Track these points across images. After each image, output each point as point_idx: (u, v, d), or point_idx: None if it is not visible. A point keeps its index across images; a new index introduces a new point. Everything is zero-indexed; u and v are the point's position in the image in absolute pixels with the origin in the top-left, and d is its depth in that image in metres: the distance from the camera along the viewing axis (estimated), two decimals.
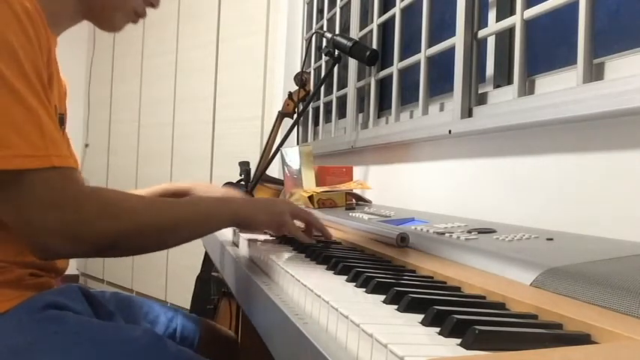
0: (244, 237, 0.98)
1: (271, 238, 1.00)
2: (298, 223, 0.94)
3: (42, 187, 0.71)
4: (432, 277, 0.64)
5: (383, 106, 1.86)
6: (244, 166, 2.19)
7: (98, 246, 0.76)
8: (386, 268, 0.70)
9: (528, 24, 1.10)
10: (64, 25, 0.93)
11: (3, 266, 0.81)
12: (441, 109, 1.45)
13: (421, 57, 1.46)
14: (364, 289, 0.57)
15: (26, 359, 0.73)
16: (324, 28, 2.22)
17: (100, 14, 0.94)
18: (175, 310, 1.16)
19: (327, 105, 2.22)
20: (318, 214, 1.07)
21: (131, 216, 0.78)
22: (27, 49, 0.73)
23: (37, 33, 0.76)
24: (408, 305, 0.48)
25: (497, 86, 1.30)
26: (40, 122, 0.72)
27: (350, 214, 1.17)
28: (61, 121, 0.94)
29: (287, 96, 2.22)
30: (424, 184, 1.46)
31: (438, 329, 0.42)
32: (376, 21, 1.77)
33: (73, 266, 4.30)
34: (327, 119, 2.23)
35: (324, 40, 1.80)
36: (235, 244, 1.04)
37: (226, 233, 1.16)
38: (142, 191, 1.22)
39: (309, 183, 1.52)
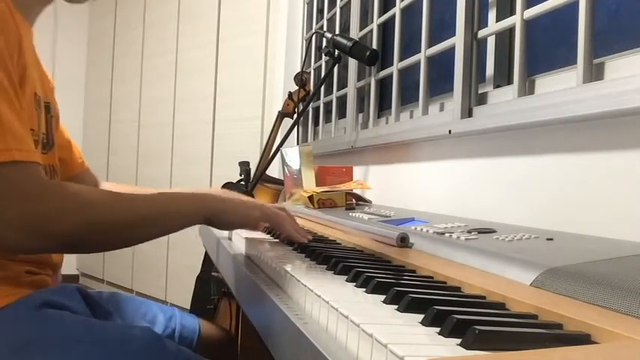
0: (241, 234, 0.99)
1: (267, 236, 1.00)
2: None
3: (2, 182, 0.71)
4: (432, 277, 0.64)
5: (383, 106, 1.86)
6: (244, 166, 2.19)
7: (63, 241, 0.75)
8: (386, 268, 0.70)
9: (528, 24, 1.10)
10: (36, 9, 0.92)
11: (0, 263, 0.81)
12: (441, 109, 1.45)
13: (421, 57, 1.46)
14: (364, 289, 0.57)
15: (26, 357, 0.73)
16: (324, 28, 2.22)
17: None
18: (174, 310, 1.16)
19: (327, 105, 2.22)
20: (320, 214, 1.07)
21: (96, 210, 0.76)
22: None
23: (4, 28, 0.75)
24: (408, 305, 0.48)
25: (497, 86, 1.30)
26: (1, 119, 0.72)
27: (350, 214, 1.17)
28: (47, 109, 0.93)
29: (287, 96, 2.22)
30: (424, 184, 1.46)
31: (438, 329, 0.42)
32: (376, 21, 1.77)
33: (72, 266, 4.30)
34: (327, 119, 2.23)
35: (324, 40, 1.80)
36: (229, 239, 1.05)
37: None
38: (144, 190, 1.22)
39: (309, 183, 1.52)
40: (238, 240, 1.03)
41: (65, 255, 0.98)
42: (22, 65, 0.80)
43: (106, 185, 1.22)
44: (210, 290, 2.20)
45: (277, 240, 0.97)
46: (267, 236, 1.02)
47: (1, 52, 0.74)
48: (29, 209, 0.71)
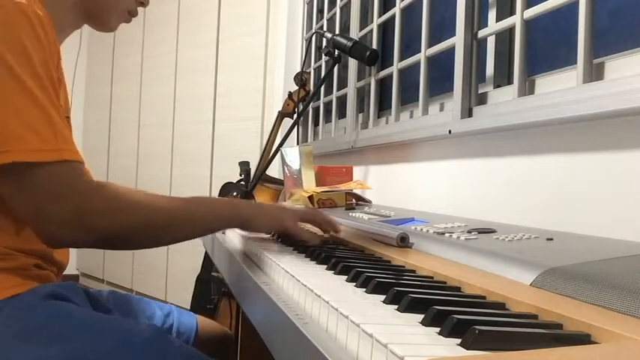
0: (237, 231, 1.01)
1: (267, 236, 1.01)
2: (309, 227, 0.97)
3: (53, 179, 0.76)
4: (432, 277, 0.64)
5: (383, 106, 1.86)
6: (244, 166, 2.19)
7: (105, 237, 0.80)
8: (386, 268, 0.70)
9: (528, 24, 1.10)
10: (67, 31, 0.99)
11: (9, 253, 0.83)
12: (441, 109, 1.45)
13: (421, 57, 1.46)
14: (364, 289, 0.57)
15: (36, 343, 0.74)
16: (324, 28, 2.22)
17: (96, 17, 1.00)
18: (171, 307, 1.17)
19: (327, 105, 2.22)
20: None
21: (139, 210, 0.81)
22: (39, 53, 0.78)
23: (49, 38, 0.80)
24: (408, 305, 0.48)
25: (497, 86, 1.30)
26: (51, 120, 0.77)
27: (350, 214, 1.17)
28: (67, 121, 0.96)
29: (287, 96, 2.22)
30: (424, 184, 1.46)
31: (438, 329, 0.42)
32: (376, 21, 1.77)
33: (73, 266, 4.30)
34: (327, 119, 2.23)
35: (324, 40, 1.80)
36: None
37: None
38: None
39: (309, 183, 1.52)
40: (236, 238, 1.03)
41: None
42: (59, 76, 0.85)
43: None
44: (210, 290, 2.20)
45: (277, 239, 0.98)
46: (267, 236, 1.02)
47: (45, 59, 0.79)
48: (78, 205, 0.77)
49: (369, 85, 1.79)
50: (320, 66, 2.25)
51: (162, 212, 0.84)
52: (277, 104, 2.41)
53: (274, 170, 2.16)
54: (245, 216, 0.90)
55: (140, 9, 1.04)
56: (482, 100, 1.27)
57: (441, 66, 1.47)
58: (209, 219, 0.89)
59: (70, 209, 0.76)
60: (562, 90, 0.97)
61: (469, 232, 0.80)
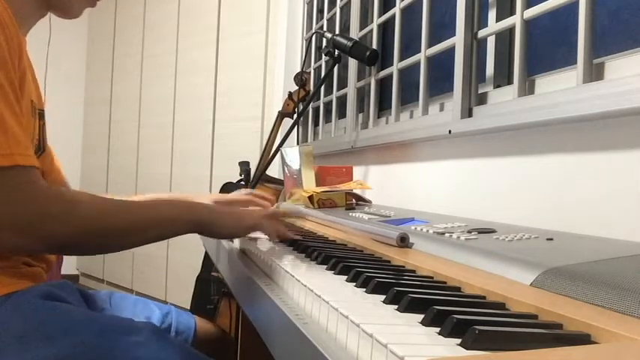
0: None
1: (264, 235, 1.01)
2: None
3: (5, 184, 0.73)
4: (432, 277, 0.64)
5: (383, 106, 1.86)
6: (244, 166, 2.20)
7: (59, 244, 0.77)
8: (386, 268, 0.70)
9: (528, 24, 1.10)
10: (30, 21, 0.95)
11: None
12: (441, 109, 1.45)
13: (421, 57, 1.46)
14: (364, 289, 0.57)
15: (32, 344, 0.73)
16: (324, 28, 2.22)
17: (59, 3, 0.96)
18: (170, 307, 1.17)
19: (327, 105, 2.22)
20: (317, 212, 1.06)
21: (84, 219, 0.78)
22: None
23: (7, 33, 0.77)
24: (408, 305, 0.48)
25: (497, 86, 1.30)
26: (4, 123, 0.74)
27: (350, 214, 1.17)
28: (41, 116, 0.95)
29: (287, 96, 2.22)
30: (424, 184, 1.46)
31: (438, 329, 0.42)
32: (376, 21, 1.77)
33: (72, 266, 4.30)
34: (327, 119, 2.23)
35: (324, 40, 1.80)
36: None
37: None
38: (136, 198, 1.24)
39: (309, 183, 1.52)
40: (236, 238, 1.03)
41: (65, 255, 0.99)
42: (22, 70, 0.82)
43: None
44: (210, 290, 2.20)
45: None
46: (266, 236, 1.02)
47: (3, 56, 0.76)
48: (28, 211, 0.73)
49: (369, 85, 1.79)
50: (320, 66, 2.25)
51: (117, 217, 0.81)
52: (277, 104, 2.41)
53: (274, 170, 2.16)
54: (201, 222, 0.88)
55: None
56: (482, 100, 1.27)
57: (441, 66, 1.47)
58: (164, 223, 0.86)
59: (23, 215, 0.73)
60: (562, 90, 0.97)
61: (469, 232, 0.80)
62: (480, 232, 0.79)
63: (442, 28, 1.50)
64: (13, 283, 0.81)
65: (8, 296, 0.78)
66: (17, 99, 0.78)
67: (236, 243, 1.02)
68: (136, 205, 0.86)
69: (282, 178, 1.75)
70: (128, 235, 0.82)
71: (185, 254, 3.15)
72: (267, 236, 0.95)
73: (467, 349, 0.38)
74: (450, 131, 1.25)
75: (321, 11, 2.35)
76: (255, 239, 0.98)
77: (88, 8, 0.99)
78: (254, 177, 1.92)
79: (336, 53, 1.75)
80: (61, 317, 0.77)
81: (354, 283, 0.59)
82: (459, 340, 0.39)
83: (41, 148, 0.96)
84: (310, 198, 1.36)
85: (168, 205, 0.90)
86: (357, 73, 1.88)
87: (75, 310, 0.80)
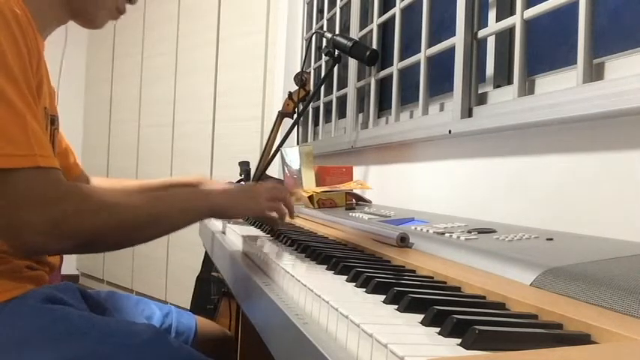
0: (238, 232, 1.00)
1: (264, 234, 1.01)
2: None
3: (26, 186, 0.73)
4: (432, 277, 0.64)
5: (383, 106, 1.86)
6: (244, 166, 2.19)
7: (78, 241, 0.76)
8: (386, 268, 0.70)
9: (528, 24, 1.10)
10: (52, 27, 0.95)
11: (1, 257, 0.82)
12: (441, 109, 1.45)
13: (421, 57, 1.46)
14: (364, 289, 0.56)
15: (31, 349, 0.73)
16: (324, 28, 2.22)
17: (83, 13, 0.96)
18: (170, 307, 1.17)
19: (327, 105, 2.22)
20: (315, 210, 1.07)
21: (110, 211, 0.78)
22: (16, 54, 0.75)
23: (27, 38, 0.77)
24: (408, 305, 0.48)
25: (497, 86, 1.30)
26: (26, 125, 0.73)
27: (350, 214, 1.17)
28: (52, 121, 0.96)
29: (287, 96, 2.22)
30: (424, 184, 1.46)
31: (438, 329, 0.42)
32: (376, 21, 1.77)
33: (72, 266, 4.30)
34: (327, 119, 2.23)
35: (324, 40, 1.80)
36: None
37: (217, 224, 1.22)
38: (136, 182, 1.25)
39: (309, 183, 1.52)
40: (236, 237, 1.03)
41: (65, 256, 0.99)
42: (40, 76, 0.82)
43: (95, 180, 1.27)
44: (210, 290, 2.21)
45: (274, 238, 0.98)
46: (264, 234, 1.02)
47: (23, 61, 0.76)
48: (51, 212, 0.73)
49: (369, 85, 1.79)
50: (320, 66, 2.25)
51: (137, 210, 0.81)
52: (277, 104, 2.41)
53: (274, 170, 2.16)
54: (217, 206, 0.89)
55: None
56: (482, 100, 1.27)
57: (441, 66, 1.47)
58: (179, 214, 0.87)
59: (45, 216, 0.73)
60: (562, 90, 0.97)
61: (469, 232, 0.80)
62: (480, 232, 0.79)
63: (442, 28, 1.50)
64: (16, 287, 0.81)
65: (9, 301, 0.78)
66: (35, 103, 0.78)
67: (236, 243, 1.02)
68: (150, 196, 0.87)
69: (282, 178, 1.75)
70: (144, 227, 0.82)
71: (185, 254, 3.15)
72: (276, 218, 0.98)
73: (467, 349, 0.38)
74: (450, 131, 1.25)
75: (321, 11, 2.35)
76: (255, 238, 0.98)
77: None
78: (254, 177, 1.91)
79: (336, 53, 1.75)
80: (60, 322, 0.77)
81: (354, 283, 0.59)
82: (459, 340, 0.39)
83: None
84: (310, 198, 1.36)
85: (181, 194, 0.92)
86: (357, 73, 1.88)
87: (74, 314, 0.80)
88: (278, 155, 1.71)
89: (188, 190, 0.98)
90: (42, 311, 0.78)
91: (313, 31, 2.34)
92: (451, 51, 1.31)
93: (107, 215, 0.78)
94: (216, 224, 1.25)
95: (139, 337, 0.79)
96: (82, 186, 0.81)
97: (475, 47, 1.26)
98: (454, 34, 1.29)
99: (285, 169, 1.62)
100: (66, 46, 3.52)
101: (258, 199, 0.93)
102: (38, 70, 0.81)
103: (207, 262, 2.30)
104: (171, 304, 1.23)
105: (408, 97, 1.69)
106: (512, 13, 1.17)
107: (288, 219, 1.00)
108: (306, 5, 2.49)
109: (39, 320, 0.76)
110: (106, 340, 0.77)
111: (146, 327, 0.83)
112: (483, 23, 1.29)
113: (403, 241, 0.80)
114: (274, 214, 0.96)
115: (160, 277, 3.41)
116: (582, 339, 0.41)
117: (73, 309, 0.81)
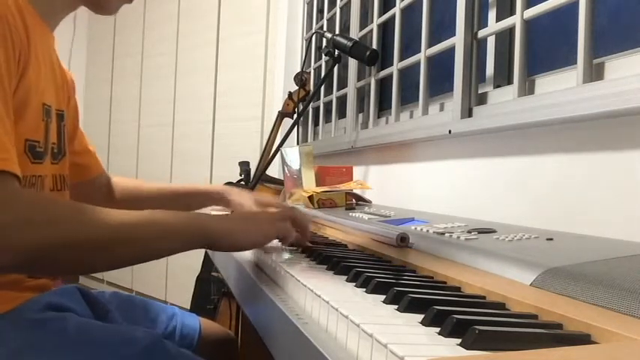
0: None
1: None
2: None
3: None
4: (432, 277, 0.64)
5: (383, 106, 1.86)
6: (244, 166, 2.20)
7: (19, 257, 0.63)
8: (386, 268, 0.70)
9: (528, 24, 1.10)
10: (61, 15, 0.91)
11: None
12: (441, 109, 1.45)
13: (421, 57, 1.46)
14: (364, 289, 0.57)
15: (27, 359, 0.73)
16: (324, 28, 2.22)
17: None
18: (175, 309, 1.16)
19: (327, 105, 2.22)
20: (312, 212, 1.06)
21: (61, 226, 0.66)
22: None
23: (7, 37, 0.72)
24: (408, 305, 0.48)
25: (497, 86, 1.30)
26: None
27: (350, 214, 1.17)
28: (60, 117, 0.93)
29: (287, 96, 2.22)
30: (424, 184, 1.46)
31: (438, 329, 0.42)
32: (376, 21, 1.77)
33: None
34: (327, 119, 2.23)
35: (324, 40, 1.80)
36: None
37: None
38: (155, 185, 1.22)
39: (309, 183, 1.52)
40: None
41: None
42: (29, 76, 0.77)
43: (115, 180, 1.23)
44: (210, 290, 2.21)
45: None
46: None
47: (7, 57, 0.71)
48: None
49: (369, 85, 1.79)
50: (320, 66, 2.25)
51: (103, 229, 0.68)
52: (277, 104, 2.41)
53: (274, 170, 2.16)
54: (216, 235, 0.76)
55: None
56: (482, 100, 1.27)
57: (441, 66, 1.47)
58: (168, 239, 0.76)
59: None
60: (562, 90, 0.97)
61: (469, 232, 0.80)
62: (480, 232, 0.79)
63: (442, 28, 1.50)
64: (16, 297, 0.79)
65: (7, 313, 0.77)
66: (7, 101, 0.71)
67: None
68: (124, 215, 0.71)
69: (282, 178, 1.75)
70: (107, 250, 0.69)
71: (185, 254, 3.13)
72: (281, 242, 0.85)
73: (467, 349, 0.38)
74: (450, 131, 1.25)
75: (321, 11, 2.35)
76: None
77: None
78: (254, 177, 1.92)
79: (336, 53, 1.75)
80: (57, 332, 0.76)
81: (354, 283, 0.59)
82: (459, 340, 0.39)
83: (61, 152, 0.93)
84: (310, 198, 1.36)
85: (172, 216, 0.76)
86: (357, 73, 1.88)
87: (73, 321, 0.78)
88: (278, 155, 1.71)
89: (184, 214, 0.80)
90: (38, 321, 0.76)
91: (313, 31, 2.34)
92: (451, 51, 1.30)
93: (55, 230, 0.65)
94: None
95: (136, 345, 0.78)
96: (36, 195, 0.72)
97: (475, 47, 1.26)
98: (454, 34, 1.29)
99: (285, 169, 1.62)
100: (73, 43, 3.54)
101: (266, 227, 0.79)
102: (26, 69, 0.76)
103: (207, 262, 2.30)
104: (171, 304, 1.23)
105: (408, 97, 1.69)
106: (512, 13, 1.17)
107: (305, 242, 0.85)
108: (306, 5, 2.48)
109: (34, 330, 0.75)
110: (101, 348, 0.76)
111: (145, 334, 0.81)
112: (483, 23, 1.29)
113: (403, 241, 0.80)
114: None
115: (160, 277, 3.41)
116: (582, 339, 0.41)
117: (71, 315, 0.80)
